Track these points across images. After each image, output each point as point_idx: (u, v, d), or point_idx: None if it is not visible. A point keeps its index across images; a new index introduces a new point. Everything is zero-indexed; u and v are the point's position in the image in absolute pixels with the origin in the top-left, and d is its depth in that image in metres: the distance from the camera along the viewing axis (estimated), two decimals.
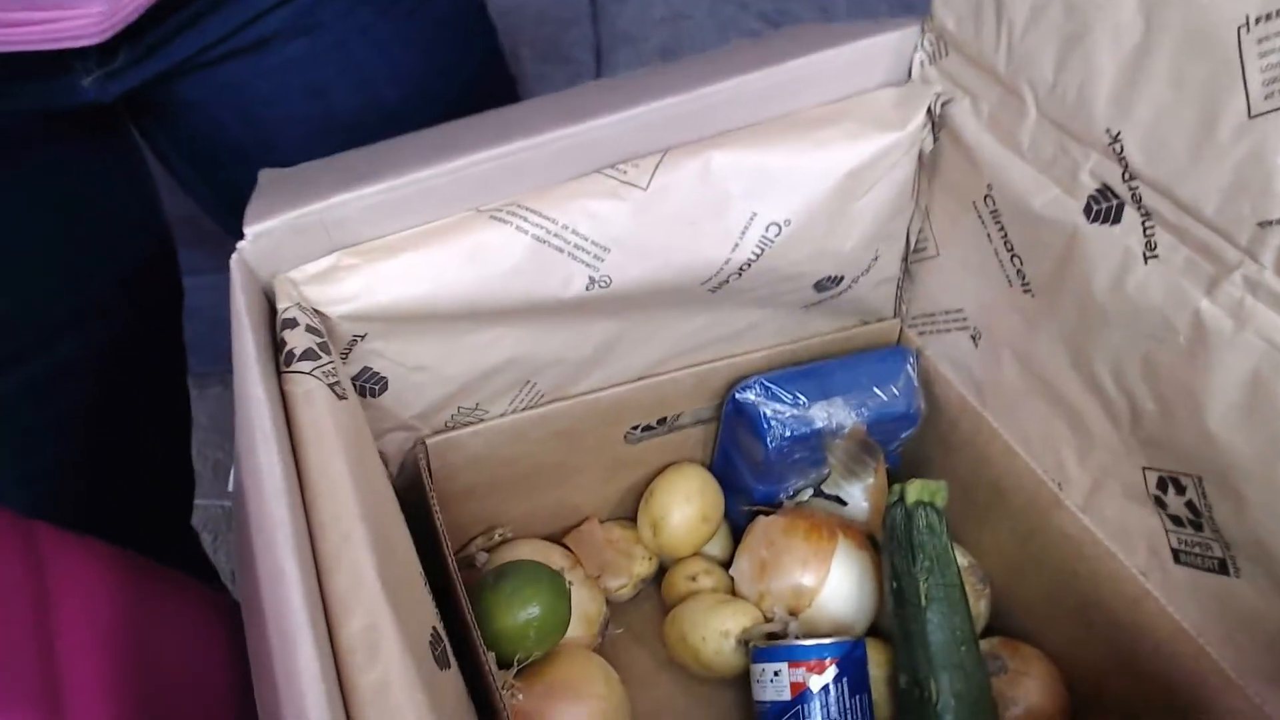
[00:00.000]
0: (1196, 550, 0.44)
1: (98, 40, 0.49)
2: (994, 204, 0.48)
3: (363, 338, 0.47)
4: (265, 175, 0.50)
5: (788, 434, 0.57)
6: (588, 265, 0.48)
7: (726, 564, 0.64)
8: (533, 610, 0.51)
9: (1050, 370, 0.49)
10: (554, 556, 0.60)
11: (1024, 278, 0.48)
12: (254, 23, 0.55)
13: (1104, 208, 0.41)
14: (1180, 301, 0.39)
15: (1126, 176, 0.39)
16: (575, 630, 0.56)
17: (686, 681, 0.60)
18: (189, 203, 0.68)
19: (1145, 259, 0.40)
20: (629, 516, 0.66)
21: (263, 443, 0.34)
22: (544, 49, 1.11)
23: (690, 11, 1.11)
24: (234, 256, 0.42)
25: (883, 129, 0.49)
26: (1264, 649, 0.43)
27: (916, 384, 0.59)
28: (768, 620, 0.56)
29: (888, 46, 0.49)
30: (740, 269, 0.51)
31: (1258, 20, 0.32)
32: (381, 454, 0.54)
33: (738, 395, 0.58)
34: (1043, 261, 0.46)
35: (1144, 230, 0.39)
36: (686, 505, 0.61)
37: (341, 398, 0.40)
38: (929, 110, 0.49)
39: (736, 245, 0.50)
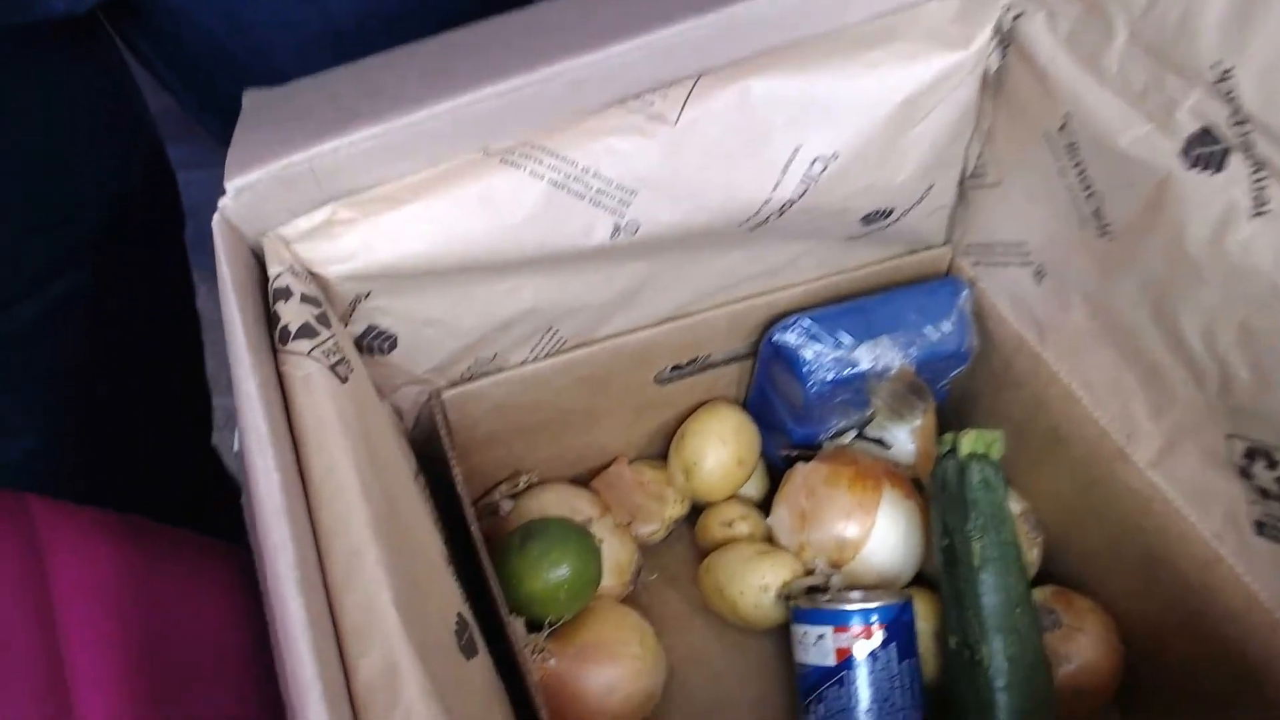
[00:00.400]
0: None
1: None
2: (1070, 135, 0.42)
3: (366, 296, 0.43)
4: (250, 98, 0.45)
5: (829, 377, 0.53)
6: (611, 211, 0.43)
7: (762, 505, 0.61)
8: (562, 571, 0.49)
9: (1127, 320, 0.44)
10: (582, 504, 0.57)
11: (1101, 218, 0.43)
12: None
13: (1205, 153, 0.35)
14: None
15: (1235, 119, 0.34)
16: (606, 580, 0.54)
17: (722, 628, 0.58)
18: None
19: (1251, 215, 0.34)
20: (659, 455, 0.63)
21: (258, 447, 0.31)
22: None
23: None
24: (215, 216, 0.38)
25: (943, 48, 0.43)
26: None
27: (969, 320, 0.55)
28: (808, 573, 0.54)
29: None
30: (782, 208, 0.46)
31: None
32: (395, 408, 0.50)
33: (776, 336, 0.53)
34: (1125, 204, 0.41)
35: (1253, 182, 0.34)
36: (721, 449, 0.57)
37: (345, 379, 0.37)
38: (996, 25, 0.43)
39: (778, 183, 0.45)
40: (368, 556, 0.31)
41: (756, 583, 0.53)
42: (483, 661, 0.41)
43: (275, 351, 0.37)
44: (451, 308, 0.46)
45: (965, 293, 0.55)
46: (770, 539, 0.57)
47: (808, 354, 0.53)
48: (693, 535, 0.62)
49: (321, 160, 0.39)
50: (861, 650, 0.48)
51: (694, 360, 0.57)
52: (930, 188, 0.50)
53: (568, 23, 0.44)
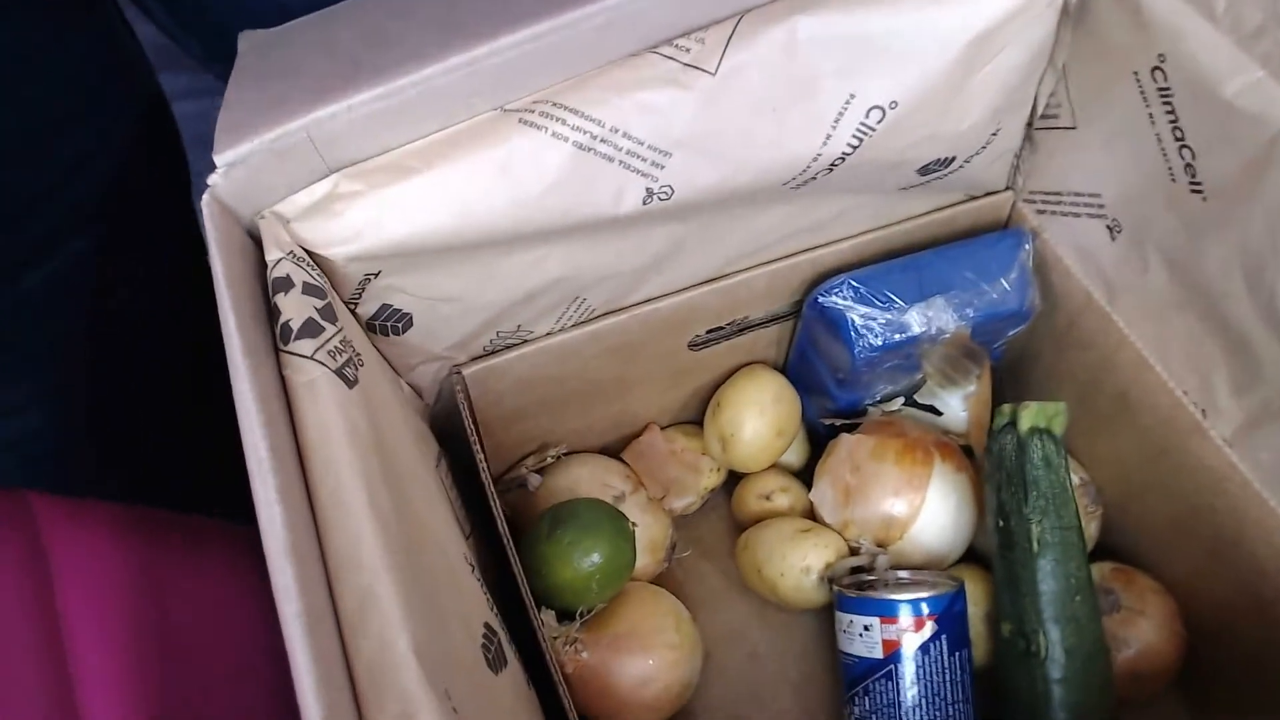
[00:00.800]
0: None
1: None
2: (1164, 78, 0.37)
3: (376, 275, 0.39)
4: (246, 40, 0.41)
5: (879, 343, 0.49)
6: (644, 175, 0.39)
7: (802, 473, 0.58)
8: (594, 558, 0.46)
9: (1216, 288, 0.40)
10: (613, 478, 0.54)
11: (1194, 174, 0.38)
12: None
13: None
14: None
15: None
16: (640, 560, 0.51)
17: (761, 605, 0.55)
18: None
19: None
20: (695, 420, 0.59)
21: (259, 473, 0.28)
22: None
23: None
24: (205, 197, 0.34)
25: None
26: None
27: (1031, 276, 0.50)
28: (853, 552, 0.51)
29: None
30: (832, 164, 0.41)
31: None
32: (414, 387, 0.47)
33: (820, 298, 0.49)
34: (1226, 160, 0.36)
35: None
36: (759, 419, 0.54)
37: (353, 382, 0.33)
38: None
39: (829, 137, 0.40)
40: (381, 595, 0.27)
41: (798, 564, 0.50)
42: (512, 671, 0.38)
43: (276, 351, 0.33)
44: (470, 283, 0.42)
45: (1027, 245, 0.50)
46: (810, 513, 0.54)
47: (855, 318, 0.48)
48: (729, 504, 0.58)
49: (320, 127, 0.35)
50: (911, 644, 0.45)
51: (731, 323, 0.53)
52: (996, 132, 0.45)
53: None
